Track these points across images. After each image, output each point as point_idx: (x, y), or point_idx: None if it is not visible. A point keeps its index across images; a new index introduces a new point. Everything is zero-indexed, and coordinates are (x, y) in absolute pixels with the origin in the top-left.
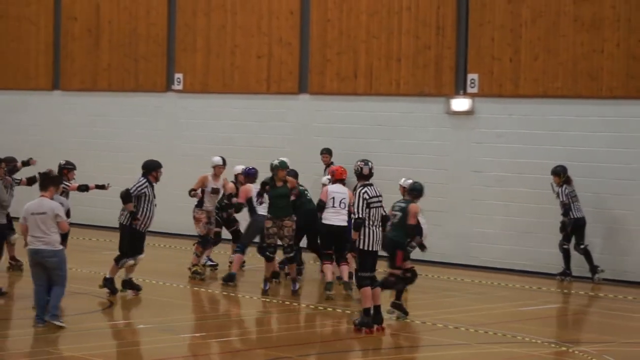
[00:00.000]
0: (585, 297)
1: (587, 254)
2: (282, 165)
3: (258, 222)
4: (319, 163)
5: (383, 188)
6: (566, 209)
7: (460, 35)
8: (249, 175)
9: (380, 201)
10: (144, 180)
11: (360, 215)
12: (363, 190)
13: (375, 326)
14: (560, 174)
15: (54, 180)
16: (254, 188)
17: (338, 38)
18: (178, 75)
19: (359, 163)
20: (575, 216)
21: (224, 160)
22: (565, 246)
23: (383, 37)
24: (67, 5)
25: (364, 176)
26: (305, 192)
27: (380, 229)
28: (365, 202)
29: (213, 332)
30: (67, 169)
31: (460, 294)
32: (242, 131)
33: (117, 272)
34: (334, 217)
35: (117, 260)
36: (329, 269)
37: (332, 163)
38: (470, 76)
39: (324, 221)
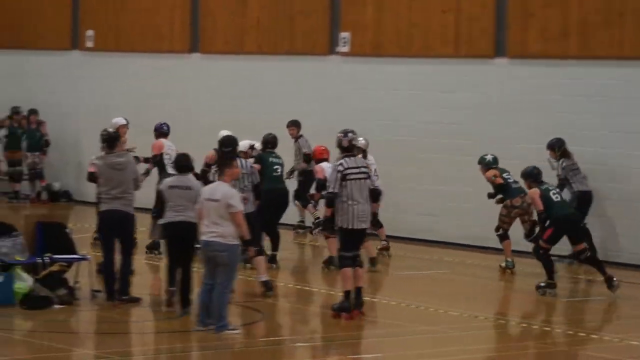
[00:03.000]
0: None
1: (586, 233)
2: None
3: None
4: (524, 144)
5: (608, 176)
6: (562, 184)
7: None
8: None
9: (364, 172)
10: None
11: (333, 189)
12: (338, 162)
13: (355, 311)
14: (555, 148)
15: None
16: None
17: None
18: (344, 35)
19: (338, 134)
20: (579, 189)
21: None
22: None
23: None
24: None
25: (343, 148)
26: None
27: (368, 204)
28: (339, 174)
29: None
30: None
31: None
32: (422, 104)
33: None
34: None
35: None
36: (333, 242)
37: (300, 135)
38: None
39: None
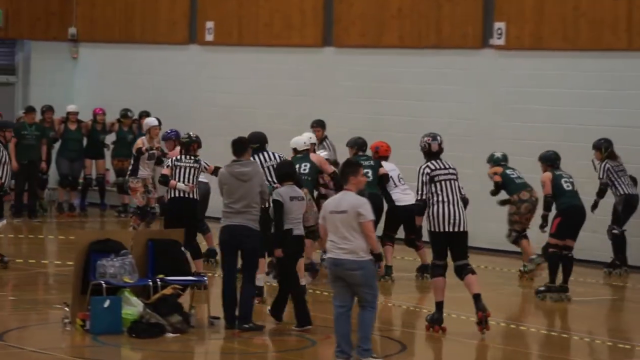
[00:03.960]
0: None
1: (619, 240)
2: None
3: None
4: None
5: None
6: (603, 188)
7: None
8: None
9: (452, 173)
10: None
11: (421, 197)
12: (424, 165)
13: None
14: (602, 149)
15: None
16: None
17: None
18: (499, 26)
19: (426, 138)
20: (627, 192)
21: (159, 120)
22: (615, 231)
23: None
24: None
25: (432, 153)
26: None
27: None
28: (427, 177)
29: None
30: (197, 142)
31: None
32: (589, 102)
33: None
34: (404, 196)
35: None
36: (390, 251)
37: (325, 137)
38: None
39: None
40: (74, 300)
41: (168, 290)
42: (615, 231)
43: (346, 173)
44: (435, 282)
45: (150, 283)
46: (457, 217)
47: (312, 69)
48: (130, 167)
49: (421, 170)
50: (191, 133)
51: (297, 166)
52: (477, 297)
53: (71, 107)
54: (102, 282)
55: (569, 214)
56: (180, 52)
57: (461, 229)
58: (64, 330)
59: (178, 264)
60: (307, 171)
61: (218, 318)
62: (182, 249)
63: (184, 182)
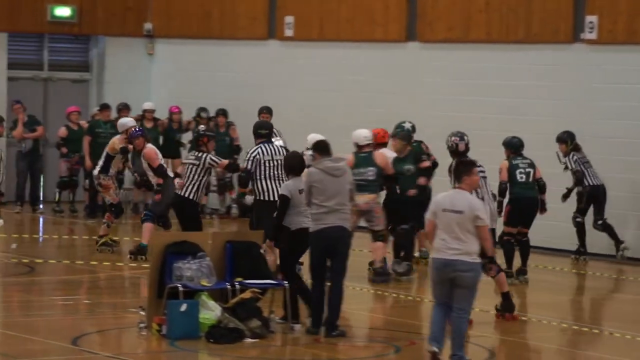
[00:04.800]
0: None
1: (608, 229)
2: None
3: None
4: None
5: None
6: (579, 177)
7: None
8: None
9: (482, 171)
10: None
11: None
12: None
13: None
14: (567, 141)
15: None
16: None
17: None
18: (590, 19)
19: (453, 138)
20: (592, 183)
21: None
22: (578, 219)
23: None
24: None
25: (459, 153)
26: None
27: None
28: None
29: None
30: (207, 136)
31: None
32: None
33: None
34: None
35: None
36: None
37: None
38: None
39: None
40: (149, 304)
41: (247, 294)
42: (578, 219)
43: (460, 172)
44: (498, 277)
45: (229, 286)
46: (493, 214)
47: (395, 65)
48: (100, 164)
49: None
50: (201, 127)
51: (361, 171)
52: (506, 296)
53: (147, 105)
54: (179, 285)
55: (518, 204)
56: (259, 48)
57: (495, 226)
58: (139, 335)
59: (257, 267)
60: (373, 177)
61: (298, 323)
62: (262, 251)
63: (185, 180)
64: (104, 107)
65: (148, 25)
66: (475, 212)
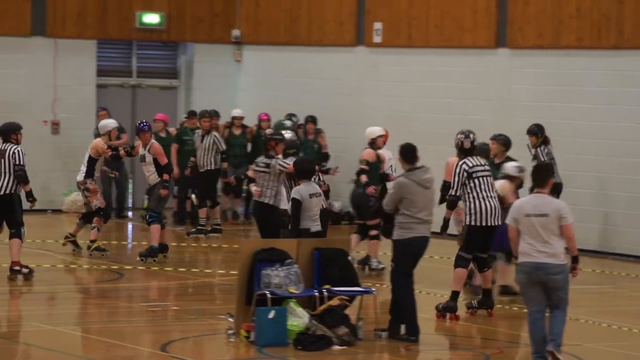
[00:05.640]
0: None
1: None
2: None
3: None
4: None
5: None
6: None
7: None
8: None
9: (488, 170)
10: None
11: (456, 193)
12: (462, 162)
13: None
14: (537, 134)
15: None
16: None
17: None
18: None
19: (459, 136)
20: (556, 181)
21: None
22: None
23: None
24: None
25: (465, 150)
26: None
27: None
28: (465, 173)
29: None
30: (274, 140)
31: None
32: None
33: None
34: None
35: None
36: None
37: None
38: None
39: None
40: (238, 310)
41: (335, 301)
42: None
43: (545, 176)
44: (459, 273)
45: (317, 294)
46: (496, 212)
47: (484, 71)
48: (84, 170)
49: (458, 167)
50: (268, 130)
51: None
52: (488, 293)
53: (236, 112)
54: (267, 292)
55: None
56: (347, 54)
57: (498, 223)
58: (228, 341)
59: (345, 274)
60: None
61: (385, 330)
62: (349, 258)
63: (260, 187)
64: (192, 115)
65: (236, 32)
66: (560, 212)
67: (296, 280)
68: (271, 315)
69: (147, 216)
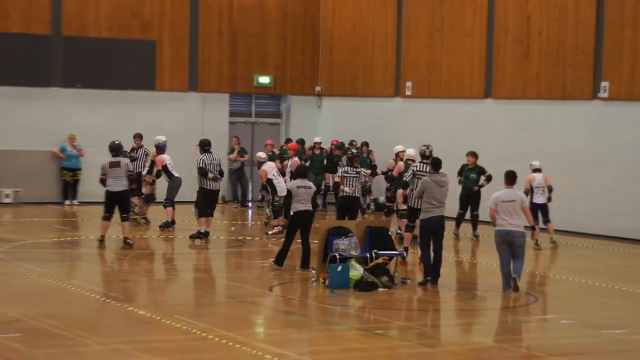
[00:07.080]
0: None
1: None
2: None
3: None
4: None
5: None
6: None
7: None
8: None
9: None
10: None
11: (406, 179)
12: (413, 165)
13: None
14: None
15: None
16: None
17: None
18: (604, 84)
19: (422, 147)
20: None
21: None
22: (476, 212)
23: None
24: (499, 18)
25: (424, 156)
26: None
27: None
28: (412, 172)
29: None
30: (357, 156)
31: None
32: None
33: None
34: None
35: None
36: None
37: (141, 146)
38: None
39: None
40: (318, 266)
41: (380, 260)
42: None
43: (513, 179)
44: (407, 236)
45: (368, 255)
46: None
47: (476, 113)
48: (147, 169)
49: (413, 166)
50: (353, 151)
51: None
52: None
53: (317, 139)
54: (337, 254)
55: None
56: (388, 103)
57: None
58: (311, 285)
59: (386, 243)
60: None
61: (408, 279)
62: (389, 232)
63: (347, 186)
64: (288, 141)
65: (318, 88)
66: (522, 199)
67: (355, 247)
68: (339, 269)
69: (165, 201)
